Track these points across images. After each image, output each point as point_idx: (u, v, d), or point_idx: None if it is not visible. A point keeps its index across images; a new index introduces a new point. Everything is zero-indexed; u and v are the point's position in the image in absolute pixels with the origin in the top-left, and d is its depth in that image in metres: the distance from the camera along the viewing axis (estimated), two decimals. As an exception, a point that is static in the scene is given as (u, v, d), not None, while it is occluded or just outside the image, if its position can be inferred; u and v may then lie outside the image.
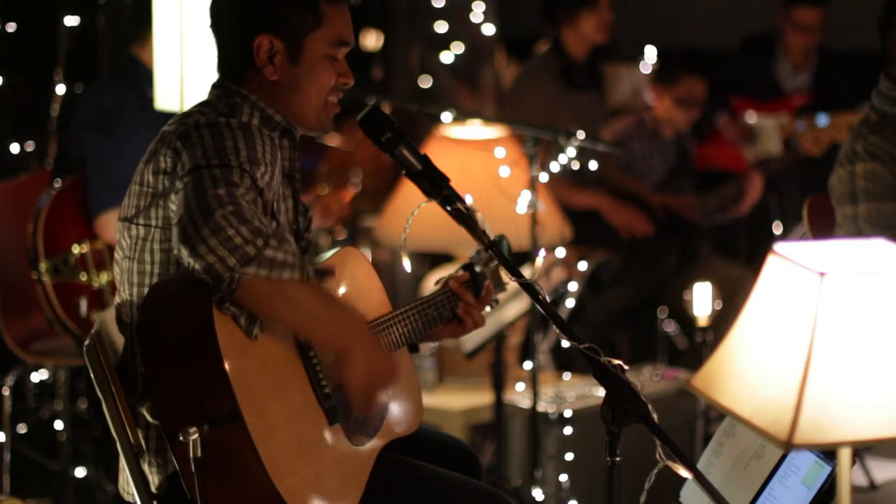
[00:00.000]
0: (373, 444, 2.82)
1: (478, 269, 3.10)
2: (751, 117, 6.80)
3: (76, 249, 4.36)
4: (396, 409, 2.92)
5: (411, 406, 2.97)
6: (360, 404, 2.64)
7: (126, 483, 2.81)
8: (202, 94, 3.74)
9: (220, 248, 2.48)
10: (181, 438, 2.50)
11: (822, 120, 6.06)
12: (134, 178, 2.78)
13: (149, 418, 2.71)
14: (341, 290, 2.89)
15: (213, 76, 2.90)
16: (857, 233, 3.84)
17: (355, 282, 2.93)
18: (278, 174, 2.75)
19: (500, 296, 3.18)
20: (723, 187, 6.22)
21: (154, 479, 2.74)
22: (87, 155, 4.57)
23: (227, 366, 2.52)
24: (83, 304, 4.32)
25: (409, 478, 2.87)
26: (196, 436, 2.50)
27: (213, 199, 2.51)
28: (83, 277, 4.35)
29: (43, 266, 4.32)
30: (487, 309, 3.11)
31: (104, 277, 4.40)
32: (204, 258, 2.48)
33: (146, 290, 2.74)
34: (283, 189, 2.83)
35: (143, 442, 2.74)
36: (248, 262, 2.48)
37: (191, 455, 2.51)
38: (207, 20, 2.88)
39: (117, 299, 2.83)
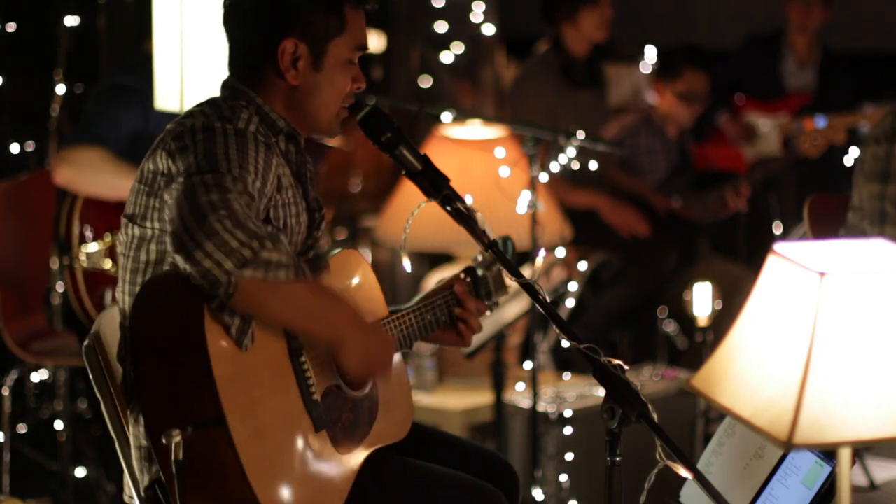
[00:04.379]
0: (358, 454, 2.80)
1: (479, 272, 3.09)
2: (751, 116, 6.80)
3: (108, 238, 4.34)
4: (385, 418, 2.89)
5: (400, 414, 2.95)
6: (360, 385, 2.76)
7: (126, 485, 2.81)
8: (202, 93, 3.76)
9: (217, 252, 2.47)
10: (164, 441, 2.49)
11: (821, 122, 6.06)
12: (136, 175, 2.78)
13: (131, 421, 2.71)
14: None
15: (219, 74, 2.88)
16: (880, 213, 3.78)
17: (354, 284, 2.92)
18: (273, 181, 2.72)
19: (501, 297, 3.17)
20: (706, 195, 6.21)
21: (144, 481, 2.74)
22: (85, 109, 4.52)
23: (214, 369, 2.50)
24: (108, 295, 4.31)
25: (402, 474, 2.86)
26: (178, 438, 2.48)
27: (207, 205, 2.52)
28: (111, 268, 4.33)
29: (75, 252, 4.30)
30: (487, 313, 3.10)
31: None
32: (201, 263, 2.48)
33: (138, 288, 2.73)
34: (293, 193, 2.80)
35: (132, 445, 2.74)
36: (245, 265, 2.48)
37: (172, 458, 2.49)
38: (222, 17, 2.84)
39: (117, 295, 2.84)
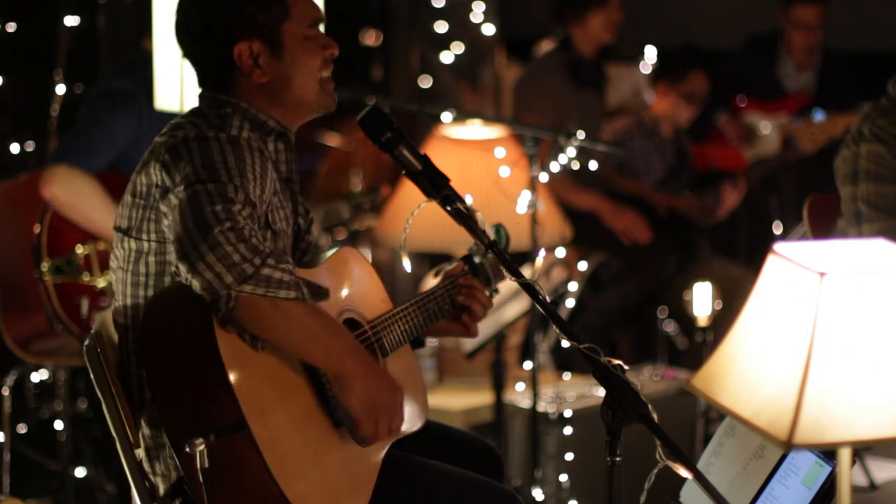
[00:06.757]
0: (379, 447, 2.81)
1: (476, 259, 3.11)
2: (750, 117, 6.80)
3: (80, 250, 4.34)
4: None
5: (416, 404, 2.96)
6: (367, 427, 2.65)
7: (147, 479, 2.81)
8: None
9: (218, 265, 2.49)
10: (188, 450, 2.51)
11: (819, 116, 6.07)
12: (127, 188, 2.79)
13: (145, 429, 2.71)
14: (343, 292, 2.88)
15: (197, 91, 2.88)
16: (856, 214, 3.88)
17: (355, 282, 2.93)
18: (270, 186, 2.74)
19: (500, 296, 3.17)
20: (705, 195, 6.22)
21: (161, 488, 2.75)
22: (77, 119, 4.51)
23: (230, 376, 2.53)
24: (84, 305, 4.31)
25: (418, 476, 2.87)
26: (202, 447, 2.50)
27: (211, 216, 2.52)
28: (86, 278, 4.34)
29: (45, 265, 4.31)
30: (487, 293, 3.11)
31: (107, 278, 4.38)
32: (202, 275, 2.49)
33: (140, 301, 2.74)
34: (280, 195, 2.81)
35: (144, 453, 2.75)
36: (246, 280, 2.50)
37: (198, 465, 2.51)
38: (179, 50, 2.86)
39: (113, 304, 2.84)
